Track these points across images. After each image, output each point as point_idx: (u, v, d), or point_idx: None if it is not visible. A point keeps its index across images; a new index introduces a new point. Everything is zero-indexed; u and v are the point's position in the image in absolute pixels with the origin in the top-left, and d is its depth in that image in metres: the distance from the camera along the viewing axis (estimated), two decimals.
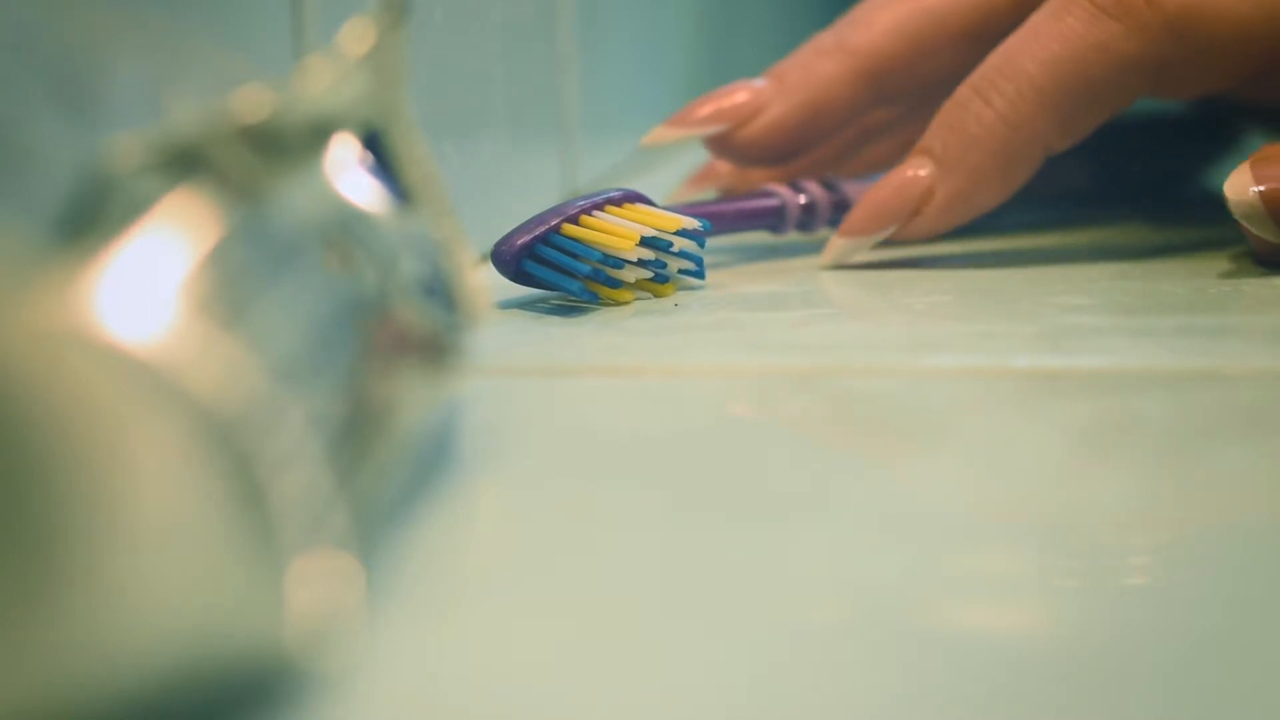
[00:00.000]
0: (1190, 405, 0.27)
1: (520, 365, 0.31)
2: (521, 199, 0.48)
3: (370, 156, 0.23)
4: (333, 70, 0.22)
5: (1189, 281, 0.37)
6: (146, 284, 0.15)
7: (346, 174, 0.21)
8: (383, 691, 0.16)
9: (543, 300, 0.37)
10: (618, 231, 0.35)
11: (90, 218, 0.17)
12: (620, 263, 0.35)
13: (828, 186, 0.43)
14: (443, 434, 0.25)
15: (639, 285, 0.36)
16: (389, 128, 0.24)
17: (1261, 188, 0.36)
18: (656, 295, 0.36)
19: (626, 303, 0.36)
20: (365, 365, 0.19)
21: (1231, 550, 0.20)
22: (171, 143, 0.18)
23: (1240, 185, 0.36)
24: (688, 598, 0.19)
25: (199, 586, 0.14)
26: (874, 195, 0.40)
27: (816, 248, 0.44)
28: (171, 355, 0.14)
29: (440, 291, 0.23)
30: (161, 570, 0.14)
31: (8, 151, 0.21)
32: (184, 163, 0.18)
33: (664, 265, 0.36)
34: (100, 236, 0.16)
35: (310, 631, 0.15)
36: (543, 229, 0.35)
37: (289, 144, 0.20)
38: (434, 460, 0.24)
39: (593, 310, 0.35)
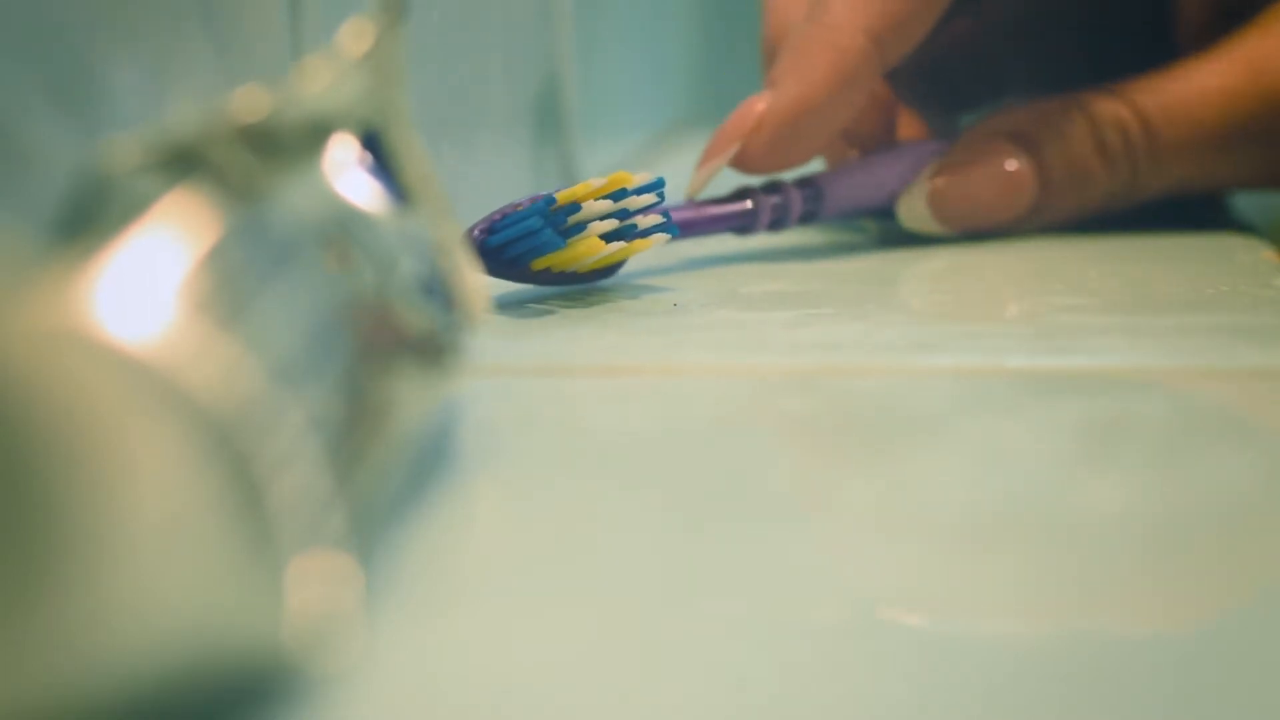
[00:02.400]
0: (1188, 405, 0.27)
1: (519, 365, 0.31)
2: (520, 198, 0.48)
3: (369, 156, 0.23)
4: (331, 70, 0.22)
5: (1186, 281, 0.37)
6: (145, 284, 0.15)
7: (345, 174, 0.21)
8: (381, 692, 0.16)
9: (541, 300, 0.37)
10: (572, 190, 0.35)
11: (88, 218, 0.17)
12: (582, 229, 0.35)
13: (803, 184, 0.43)
14: (441, 434, 0.25)
15: (607, 244, 0.35)
16: (387, 127, 0.24)
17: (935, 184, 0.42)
18: (628, 252, 0.36)
19: (594, 260, 0.35)
20: (363, 365, 0.19)
21: (1228, 551, 0.20)
22: (170, 143, 0.18)
23: (913, 200, 0.42)
24: (687, 597, 0.19)
25: (197, 587, 0.14)
26: (721, 127, 0.42)
27: (815, 249, 0.44)
28: (170, 355, 0.14)
29: (439, 291, 0.23)
30: (159, 570, 0.14)
31: (7, 152, 0.21)
32: (182, 163, 0.18)
33: (626, 215, 0.36)
34: (98, 236, 0.16)
35: (309, 632, 0.15)
36: (498, 214, 0.35)
37: (287, 144, 0.20)
38: (432, 460, 0.24)
39: (591, 311, 0.35)
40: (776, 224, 0.42)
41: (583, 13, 0.58)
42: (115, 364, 0.14)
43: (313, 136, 0.21)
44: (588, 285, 0.37)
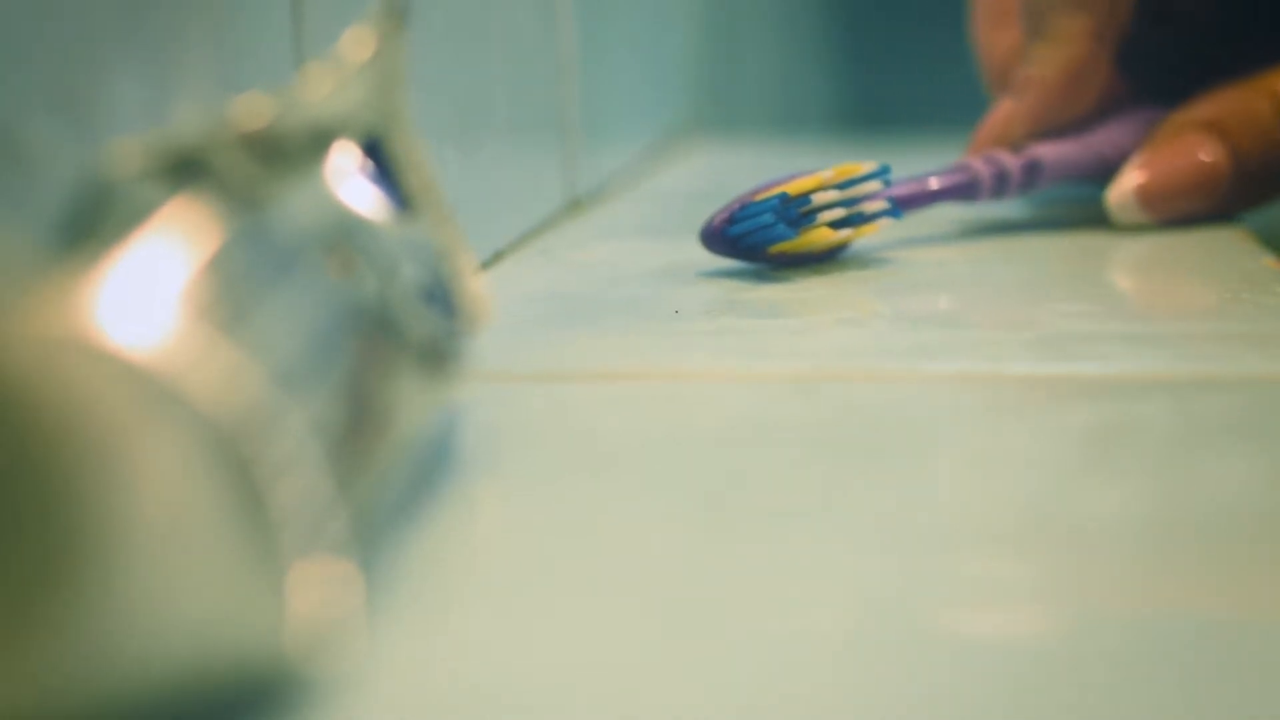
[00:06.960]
0: (1190, 411, 0.27)
1: (521, 370, 0.31)
2: (523, 204, 0.48)
3: (371, 163, 0.23)
4: (333, 77, 0.23)
5: (1187, 288, 0.37)
6: (148, 290, 0.15)
7: (347, 180, 0.22)
8: (382, 696, 0.16)
9: (543, 306, 0.37)
10: (801, 180, 0.38)
11: (92, 224, 0.17)
12: (812, 216, 0.38)
13: (1021, 155, 0.44)
14: (443, 439, 0.25)
15: (834, 230, 0.38)
16: (389, 134, 0.24)
17: (1141, 182, 0.44)
18: (855, 236, 0.39)
19: (824, 245, 0.38)
20: (365, 371, 0.19)
21: (1231, 556, 0.20)
22: (173, 149, 0.18)
23: (1120, 194, 0.44)
24: (688, 603, 0.19)
25: (200, 591, 0.14)
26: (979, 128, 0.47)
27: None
28: (173, 361, 0.14)
29: (441, 297, 0.23)
30: (162, 575, 0.14)
31: (10, 157, 0.21)
32: (185, 169, 0.18)
33: (854, 204, 0.39)
34: (102, 243, 0.16)
35: (310, 637, 0.15)
36: (737, 203, 0.39)
37: (290, 150, 0.20)
38: (434, 465, 0.24)
39: (593, 317, 0.35)
40: (997, 193, 0.44)
41: (583, 17, 0.58)
42: (118, 370, 0.14)
43: (315, 143, 0.21)
44: (598, 289, 0.38)
